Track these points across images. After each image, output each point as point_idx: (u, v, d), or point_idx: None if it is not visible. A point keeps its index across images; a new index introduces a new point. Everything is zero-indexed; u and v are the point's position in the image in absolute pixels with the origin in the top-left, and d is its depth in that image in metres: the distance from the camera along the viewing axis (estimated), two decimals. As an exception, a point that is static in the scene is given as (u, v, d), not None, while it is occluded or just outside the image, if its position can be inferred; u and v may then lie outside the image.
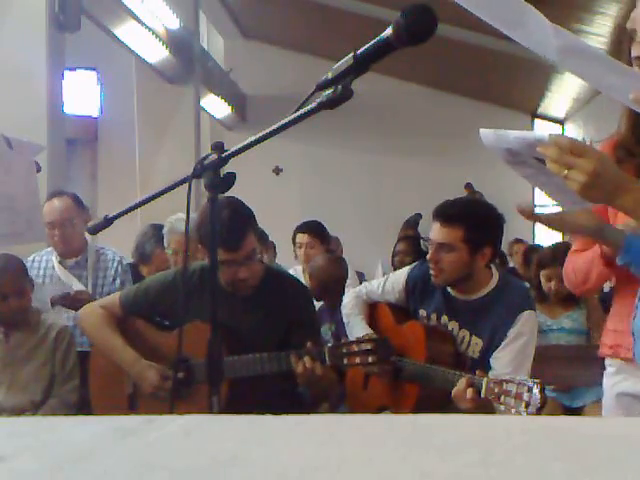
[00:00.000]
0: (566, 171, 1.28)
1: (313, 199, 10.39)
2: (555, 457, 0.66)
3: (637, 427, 0.83)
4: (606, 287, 3.32)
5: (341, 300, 2.91)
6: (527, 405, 1.93)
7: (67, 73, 5.87)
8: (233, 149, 1.36)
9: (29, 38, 5.18)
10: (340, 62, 1.21)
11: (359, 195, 10.79)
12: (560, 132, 9.57)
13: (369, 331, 2.61)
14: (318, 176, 10.94)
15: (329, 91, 1.22)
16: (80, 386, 2.89)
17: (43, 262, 3.40)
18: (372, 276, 5.69)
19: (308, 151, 10.92)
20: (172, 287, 2.51)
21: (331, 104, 1.22)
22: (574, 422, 0.89)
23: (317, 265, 3.82)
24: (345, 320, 2.79)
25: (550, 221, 1.62)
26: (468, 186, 9.71)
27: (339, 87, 1.21)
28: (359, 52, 1.20)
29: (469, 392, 2.13)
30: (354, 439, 0.75)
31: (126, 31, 7.50)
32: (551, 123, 11.26)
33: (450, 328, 2.50)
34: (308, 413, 2.08)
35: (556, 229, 1.68)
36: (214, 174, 1.37)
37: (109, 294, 3.00)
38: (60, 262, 3.37)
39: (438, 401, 2.32)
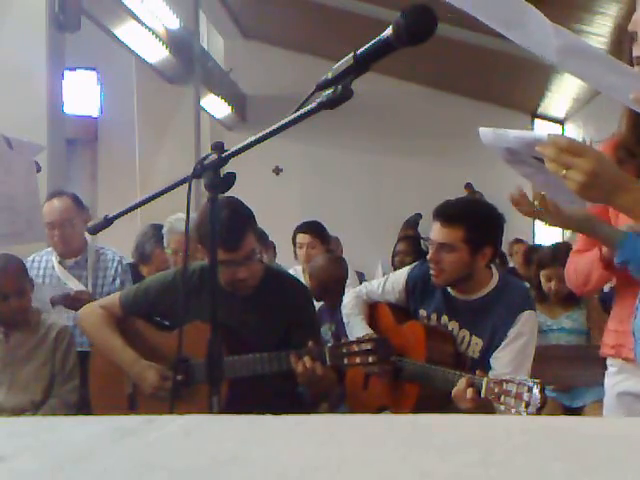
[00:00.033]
0: (565, 171, 1.28)
1: (313, 199, 10.38)
2: (555, 457, 0.66)
3: (637, 427, 0.83)
4: (606, 287, 3.32)
5: (341, 300, 2.91)
6: (527, 405, 1.93)
7: (67, 73, 5.87)
8: (233, 149, 1.36)
9: (29, 38, 5.18)
10: (340, 62, 1.21)
11: (359, 195, 10.78)
12: (560, 132, 9.58)
13: (369, 331, 2.61)
14: (318, 176, 10.93)
15: (329, 91, 1.22)
16: (80, 386, 2.89)
17: (43, 262, 3.41)
18: (372, 276, 5.68)
19: (308, 151, 10.91)
20: (172, 287, 2.51)
21: (331, 104, 1.22)
22: (574, 422, 0.89)
23: (317, 265, 3.82)
24: (345, 320, 2.79)
25: (539, 213, 1.63)
26: (468, 186, 9.71)
27: (339, 87, 1.21)
28: (359, 52, 1.20)
29: (469, 392, 2.14)
30: (354, 439, 0.75)
31: (126, 31, 7.50)
32: (551, 123, 11.24)
33: (450, 328, 2.50)
34: (308, 413, 2.09)
35: (544, 219, 1.68)
36: (214, 174, 1.37)
37: (109, 294, 3.01)
38: (60, 262, 3.37)
39: (438, 401, 2.32)
